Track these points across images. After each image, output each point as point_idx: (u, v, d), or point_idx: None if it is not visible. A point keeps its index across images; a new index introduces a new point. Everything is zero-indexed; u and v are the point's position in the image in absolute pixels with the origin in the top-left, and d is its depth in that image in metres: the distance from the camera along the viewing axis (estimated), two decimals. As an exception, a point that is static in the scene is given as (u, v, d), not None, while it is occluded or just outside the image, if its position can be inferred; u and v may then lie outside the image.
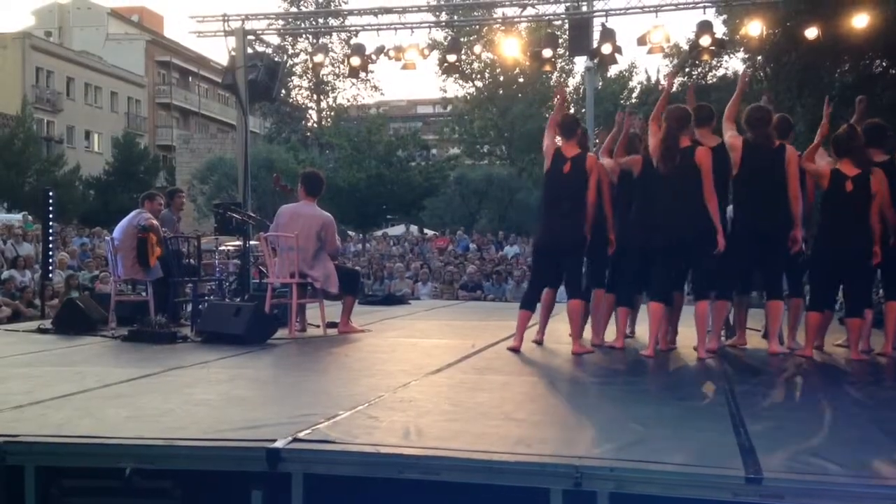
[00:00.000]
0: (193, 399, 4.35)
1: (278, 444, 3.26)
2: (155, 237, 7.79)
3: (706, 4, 12.76)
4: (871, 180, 5.78)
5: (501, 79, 38.92)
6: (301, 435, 3.41)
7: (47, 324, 7.96)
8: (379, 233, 29.54)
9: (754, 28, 12.66)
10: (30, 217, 19.98)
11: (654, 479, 3.01)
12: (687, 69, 22.63)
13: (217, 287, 8.70)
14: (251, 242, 8.75)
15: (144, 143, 41.81)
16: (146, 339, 6.77)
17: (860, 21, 11.65)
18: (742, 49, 17.23)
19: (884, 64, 15.04)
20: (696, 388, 4.88)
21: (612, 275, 6.58)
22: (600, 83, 34.90)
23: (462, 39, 23.57)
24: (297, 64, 41.17)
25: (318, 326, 7.55)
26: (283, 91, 33.77)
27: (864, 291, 6.06)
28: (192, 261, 8.37)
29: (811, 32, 11.91)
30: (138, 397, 4.39)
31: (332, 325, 7.63)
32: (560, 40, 14.03)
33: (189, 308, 8.25)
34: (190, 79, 49.78)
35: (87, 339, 7.05)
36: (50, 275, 11.70)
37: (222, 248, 8.95)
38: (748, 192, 5.93)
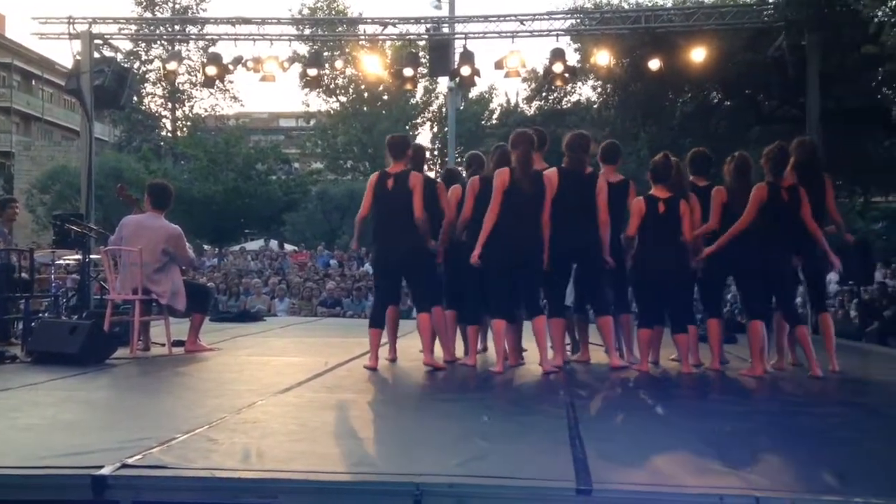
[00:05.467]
0: (16, 424, 4.07)
1: (105, 471, 3.09)
2: (-19, 250, 7.25)
3: (559, 33, 13.35)
4: (680, 203, 6.26)
5: (365, 95, 38.93)
6: (131, 461, 3.24)
7: None
8: (236, 247, 28.71)
9: (603, 58, 13.36)
10: None
11: (491, 494, 3.06)
12: (544, 94, 23.57)
13: (53, 303, 8.19)
14: (92, 256, 8.29)
15: (-21, 148, 38.85)
16: (-31, 360, 6.28)
17: (698, 55, 12.56)
18: (593, 77, 18.06)
19: (719, 95, 16.21)
20: (538, 403, 5.03)
21: (448, 291, 6.67)
22: (462, 104, 35.60)
23: (325, 54, 23.41)
24: (150, 71, 39.49)
25: (162, 345, 7.24)
26: (135, 98, 32.29)
27: (683, 308, 6.44)
28: (24, 275, 7.85)
29: (654, 64, 12.70)
30: (-47, 423, 4.06)
31: (179, 343, 7.35)
32: (422, 60, 14.22)
33: (20, 326, 7.72)
34: (33, 82, 46.62)
35: None
36: None
37: (60, 261, 8.43)
38: (562, 214, 6.18)
